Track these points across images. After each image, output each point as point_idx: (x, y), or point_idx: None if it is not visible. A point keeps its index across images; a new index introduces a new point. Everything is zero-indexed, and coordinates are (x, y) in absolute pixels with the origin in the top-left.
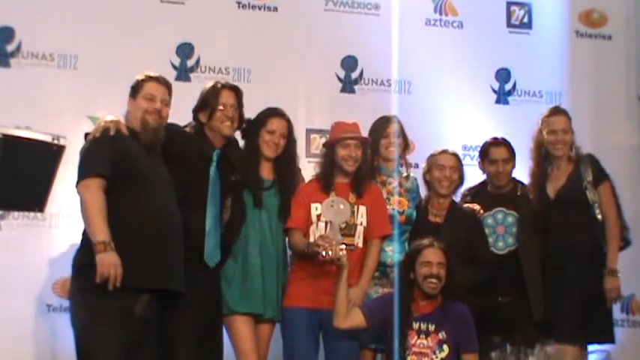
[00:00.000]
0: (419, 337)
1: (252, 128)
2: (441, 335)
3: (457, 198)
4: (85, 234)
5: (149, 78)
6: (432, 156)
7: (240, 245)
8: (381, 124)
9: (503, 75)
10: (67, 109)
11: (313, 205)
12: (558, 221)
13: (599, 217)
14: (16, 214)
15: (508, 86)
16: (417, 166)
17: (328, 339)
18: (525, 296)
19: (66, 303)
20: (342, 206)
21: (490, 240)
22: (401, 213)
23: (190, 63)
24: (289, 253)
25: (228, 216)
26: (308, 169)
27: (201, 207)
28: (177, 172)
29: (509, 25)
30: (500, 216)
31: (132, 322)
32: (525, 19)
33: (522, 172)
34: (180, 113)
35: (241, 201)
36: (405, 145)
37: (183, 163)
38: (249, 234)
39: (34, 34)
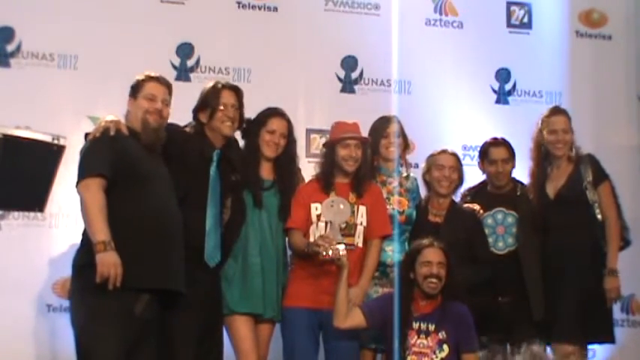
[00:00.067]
0: (419, 337)
1: (253, 128)
2: (441, 335)
3: (457, 198)
4: (85, 234)
5: (149, 78)
6: (432, 156)
7: (240, 245)
8: (381, 124)
9: (503, 75)
10: (67, 109)
11: (313, 205)
12: (558, 221)
13: (599, 217)
14: (16, 214)
15: (508, 86)
16: (417, 166)
17: (328, 339)
18: (525, 296)
19: (66, 303)
20: (342, 206)
21: (490, 240)
22: (401, 213)
23: (190, 63)
24: (289, 253)
25: (228, 216)
26: (308, 169)
27: (202, 207)
28: (178, 172)
29: (509, 25)
30: (500, 216)
31: (132, 322)
32: (525, 19)
33: (522, 172)
34: (181, 113)
35: (241, 201)
36: (405, 145)
37: (184, 163)
38: (249, 234)
39: (34, 34)
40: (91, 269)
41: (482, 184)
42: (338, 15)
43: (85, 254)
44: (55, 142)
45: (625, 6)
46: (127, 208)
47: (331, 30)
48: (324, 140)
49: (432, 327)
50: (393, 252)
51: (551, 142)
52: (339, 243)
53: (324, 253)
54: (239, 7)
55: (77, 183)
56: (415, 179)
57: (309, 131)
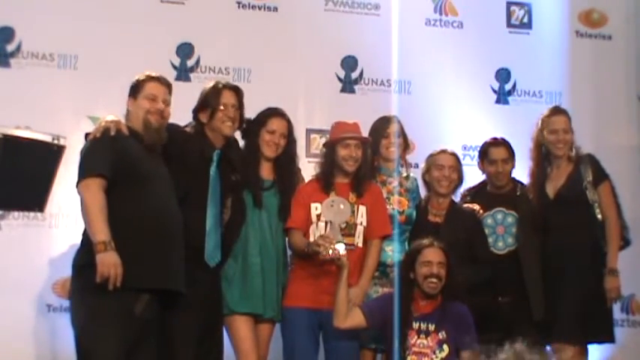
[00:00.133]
0: (419, 337)
1: (253, 128)
2: (441, 335)
3: (457, 198)
4: (85, 234)
5: (150, 78)
6: (431, 156)
7: (240, 245)
8: (382, 124)
9: (503, 75)
10: (67, 109)
11: (313, 205)
12: (558, 221)
13: (599, 216)
14: (16, 214)
15: (508, 86)
16: (417, 166)
17: (328, 339)
18: (525, 296)
19: (66, 303)
20: (342, 206)
21: (490, 240)
22: (401, 213)
23: (190, 63)
24: (289, 253)
25: (228, 216)
26: (308, 169)
27: (202, 207)
28: (178, 172)
29: (509, 25)
30: (499, 216)
31: (132, 322)
32: (525, 19)
33: (522, 172)
34: (181, 113)
35: (241, 201)
36: (405, 145)
37: (184, 163)
38: (249, 234)
39: (34, 34)
40: (91, 269)
41: (482, 184)
42: (338, 15)
43: (85, 254)
44: (55, 142)
45: (625, 6)
46: (127, 208)
47: (331, 30)
48: (324, 140)
49: (432, 327)
50: (393, 252)
51: (551, 142)
52: (339, 243)
53: (324, 253)
54: (239, 7)
55: (77, 183)
56: (415, 179)
57: (309, 131)
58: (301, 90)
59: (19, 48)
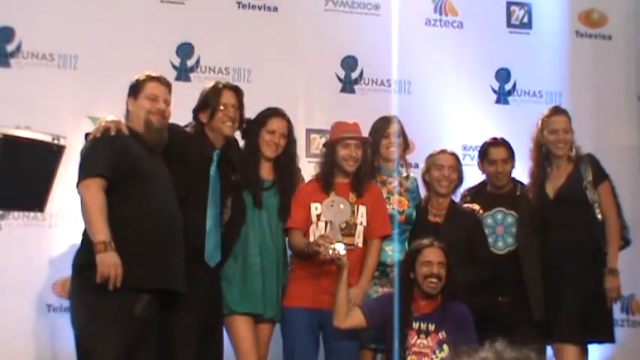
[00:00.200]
0: (419, 337)
1: (253, 128)
2: (441, 335)
3: (457, 198)
4: (85, 234)
5: (150, 78)
6: (431, 156)
7: (240, 245)
8: (382, 125)
9: (503, 75)
10: (67, 109)
11: (313, 205)
12: (558, 221)
13: (599, 216)
14: (16, 214)
15: (508, 86)
16: (417, 166)
17: (328, 339)
18: (525, 296)
19: (66, 303)
20: (342, 206)
21: (490, 240)
22: (401, 213)
23: (190, 63)
24: (289, 253)
25: (228, 216)
26: (308, 169)
27: (202, 207)
28: (178, 173)
29: (509, 25)
30: (499, 216)
31: (132, 322)
32: (525, 19)
33: (522, 172)
34: (181, 113)
35: (241, 201)
36: (405, 145)
37: (184, 163)
38: (249, 234)
39: (34, 34)
40: (91, 269)
41: (482, 184)
42: (338, 15)
43: (86, 254)
44: (55, 142)
45: (625, 6)
46: (128, 209)
47: (331, 30)
48: (324, 140)
49: (432, 327)
50: (393, 252)
51: (551, 141)
52: (339, 243)
53: (324, 253)
54: (239, 7)
55: (77, 183)
56: (415, 179)
57: (309, 131)
58: (301, 90)
59: (19, 48)
